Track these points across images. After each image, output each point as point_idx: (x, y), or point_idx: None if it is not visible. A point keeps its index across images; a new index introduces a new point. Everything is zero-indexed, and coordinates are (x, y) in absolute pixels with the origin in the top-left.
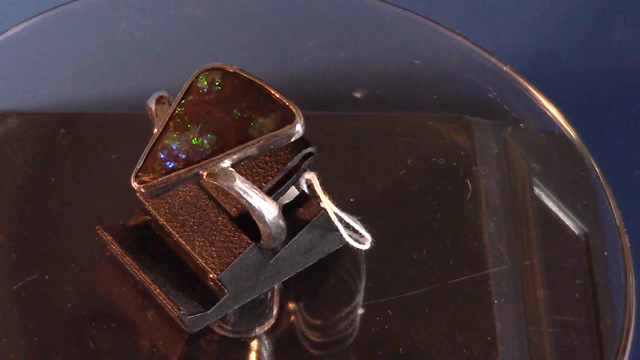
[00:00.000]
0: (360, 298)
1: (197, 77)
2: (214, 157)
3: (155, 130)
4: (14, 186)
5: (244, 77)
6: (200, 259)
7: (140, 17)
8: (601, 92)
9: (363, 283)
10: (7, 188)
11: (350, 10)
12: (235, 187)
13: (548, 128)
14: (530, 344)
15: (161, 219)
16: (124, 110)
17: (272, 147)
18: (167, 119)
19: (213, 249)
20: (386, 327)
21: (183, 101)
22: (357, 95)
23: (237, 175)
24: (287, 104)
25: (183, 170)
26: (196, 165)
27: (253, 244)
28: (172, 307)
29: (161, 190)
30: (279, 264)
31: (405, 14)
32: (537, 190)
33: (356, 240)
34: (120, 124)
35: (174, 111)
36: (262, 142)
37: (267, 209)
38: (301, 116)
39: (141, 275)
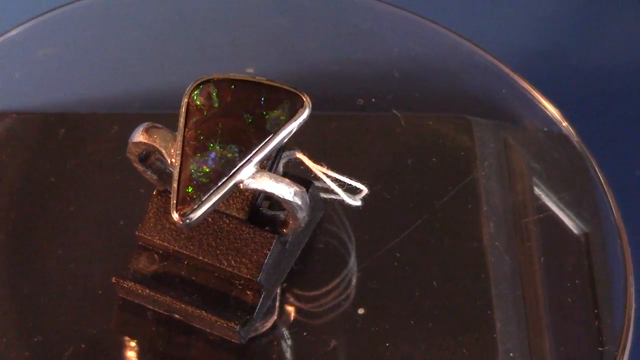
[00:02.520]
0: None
1: (191, 95)
2: (245, 164)
3: (173, 160)
4: (14, 186)
5: (237, 79)
6: (231, 270)
7: (141, 17)
8: (601, 92)
9: (355, 278)
10: (7, 188)
11: (350, 10)
12: (272, 185)
13: (548, 128)
14: (530, 344)
15: (176, 248)
16: (124, 110)
17: (290, 135)
18: (180, 146)
19: (240, 256)
20: (387, 327)
21: (190, 123)
22: (250, 70)
23: (268, 172)
24: (290, 89)
25: (221, 187)
26: (231, 177)
27: (276, 236)
28: (224, 325)
29: (205, 215)
30: (290, 248)
31: (405, 14)
32: (537, 190)
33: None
34: (120, 124)
35: (184, 137)
36: (282, 133)
37: (301, 196)
38: (307, 97)
39: (180, 307)
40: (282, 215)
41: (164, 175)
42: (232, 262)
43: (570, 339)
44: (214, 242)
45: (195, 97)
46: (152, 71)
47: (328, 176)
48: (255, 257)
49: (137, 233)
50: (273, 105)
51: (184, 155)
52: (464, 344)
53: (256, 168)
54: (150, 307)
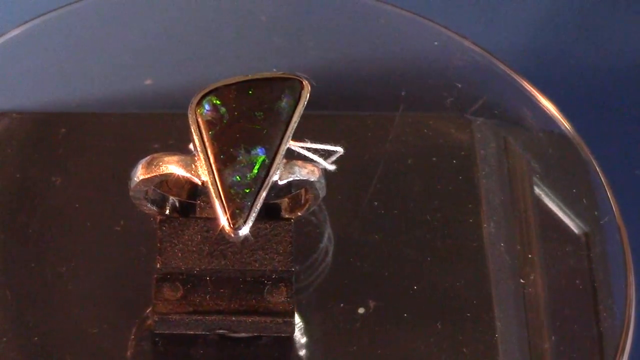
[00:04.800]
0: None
1: (196, 113)
2: (275, 160)
3: (206, 179)
4: (14, 186)
5: (234, 83)
6: (264, 268)
7: (141, 17)
8: (602, 92)
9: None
10: (7, 188)
11: (349, 10)
12: (303, 172)
13: (548, 128)
14: (530, 344)
15: (203, 267)
16: (124, 110)
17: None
18: (208, 164)
19: (268, 252)
20: (387, 327)
21: (207, 139)
22: (148, 82)
23: (295, 161)
24: (286, 76)
25: (262, 190)
26: (267, 177)
27: (291, 221)
28: (280, 322)
29: (254, 219)
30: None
31: (405, 14)
32: (537, 190)
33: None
34: (121, 124)
35: (207, 154)
36: (295, 119)
37: (323, 174)
38: (303, 77)
39: (230, 320)
40: (286, 199)
41: (163, 203)
42: (263, 260)
43: (570, 339)
44: (236, 249)
45: (200, 113)
46: (152, 71)
47: (308, 149)
48: (281, 248)
49: (158, 266)
50: (277, 95)
51: (216, 172)
52: (464, 343)
53: (285, 160)
54: (191, 332)
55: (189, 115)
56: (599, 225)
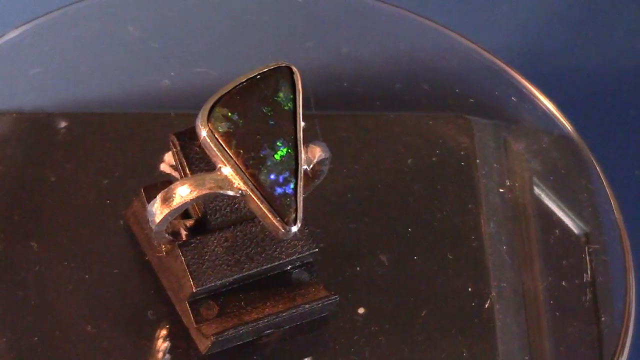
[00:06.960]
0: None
1: (209, 130)
2: (299, 149)
3: (244, 187)
4: (14, 186)
5: (234, 88)
6: (292, 257)
7: (141, 17)
8: (602, 92)
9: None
10: (6, 188)
11: (350, 10)
12: (322, 151)
13: (548, 128)
14: (530, 344)
15: (235, 277)
16: (124, 110)
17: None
18: (242, 174)
19: (289, 240)
20: (387, 326)
21: (232, 150)
22: (63, 124)
23: (313, 143)
24: (273, 67)
25: (298, 182)
26: (299, 166)
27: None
28: (325, 303)
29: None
30: None
31: (405, 14)
32: (537, 190)
33: None
34: (121, 124)
35: (237, 164)
36: (299, 103)
37: (328, 149)
38: (287, 63)
39: (279, 319)
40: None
41: (179, 232)
42: (288, 250)
43: (570, 339)
44: (260, 249)
45: (218, 126)
46: (152, 71)
47: None
48: (298, 233)
49: (194, 291)
50: (274, 87)
51: (251, 178)
52: (464, 344)
53: (305, 147)
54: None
55: (202, 133)
56: (599, 225)
